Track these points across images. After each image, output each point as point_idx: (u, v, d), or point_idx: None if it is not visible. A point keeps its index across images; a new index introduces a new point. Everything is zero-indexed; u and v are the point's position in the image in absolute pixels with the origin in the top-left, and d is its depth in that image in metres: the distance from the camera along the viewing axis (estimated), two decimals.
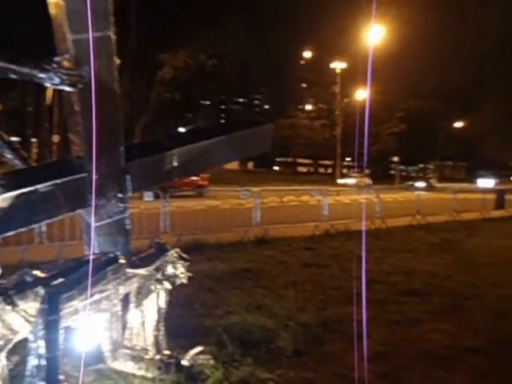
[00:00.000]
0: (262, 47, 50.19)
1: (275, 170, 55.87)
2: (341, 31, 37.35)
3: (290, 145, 51.64)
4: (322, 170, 66.62)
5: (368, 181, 38.35)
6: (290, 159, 64.29)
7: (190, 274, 3.32)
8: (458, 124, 55.76)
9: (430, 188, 29.47)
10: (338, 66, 30.32)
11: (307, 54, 45.93)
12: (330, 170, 56.39)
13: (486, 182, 41.09)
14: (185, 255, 3.34)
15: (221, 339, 3.73)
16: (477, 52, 45.83)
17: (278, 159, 63.48)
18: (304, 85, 54.58)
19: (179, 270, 3.22)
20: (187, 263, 3.30)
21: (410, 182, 35.80)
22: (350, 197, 21.19)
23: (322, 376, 3.41)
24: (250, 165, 63.19)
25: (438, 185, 38.13)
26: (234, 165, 58.14)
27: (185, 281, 3.31)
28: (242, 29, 39.36)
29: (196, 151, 3.76)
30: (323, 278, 6.41)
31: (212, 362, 3.34)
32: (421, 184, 34.27)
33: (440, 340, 4.19)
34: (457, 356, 3.84)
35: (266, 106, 69.62)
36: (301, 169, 65.57)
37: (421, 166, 45.57)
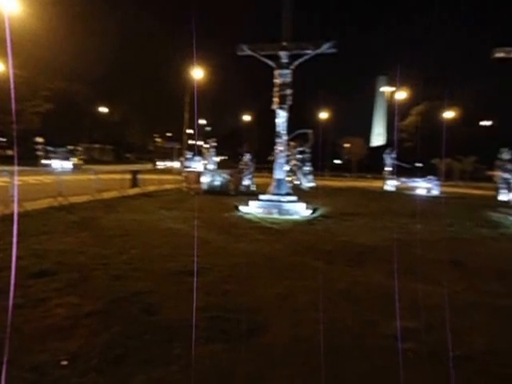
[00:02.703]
0: None
1: None
2: None
3: None
4: None
5: None
6: None
7: None
8: (103, 109, 58.34)
9: None
10: None
11: None
12: None
13: (63, 164, 39.54)
14: None
15: None
16: (119, 43, 49.07)
17: None
18: None
19: None
20: None
21: None
22: None
23: None
24: None
25: None
26: None
27: None
28: None
29: None
30: None
31: None
32: None
33: (62, 313, 4.38)
34: (76, 323, 4.16)
35: None
36: None
37: (70, 147, 44.61)
